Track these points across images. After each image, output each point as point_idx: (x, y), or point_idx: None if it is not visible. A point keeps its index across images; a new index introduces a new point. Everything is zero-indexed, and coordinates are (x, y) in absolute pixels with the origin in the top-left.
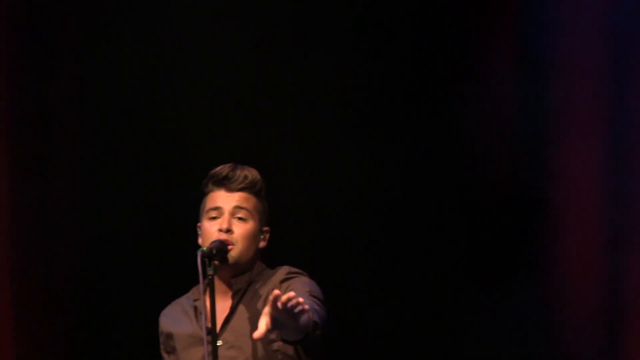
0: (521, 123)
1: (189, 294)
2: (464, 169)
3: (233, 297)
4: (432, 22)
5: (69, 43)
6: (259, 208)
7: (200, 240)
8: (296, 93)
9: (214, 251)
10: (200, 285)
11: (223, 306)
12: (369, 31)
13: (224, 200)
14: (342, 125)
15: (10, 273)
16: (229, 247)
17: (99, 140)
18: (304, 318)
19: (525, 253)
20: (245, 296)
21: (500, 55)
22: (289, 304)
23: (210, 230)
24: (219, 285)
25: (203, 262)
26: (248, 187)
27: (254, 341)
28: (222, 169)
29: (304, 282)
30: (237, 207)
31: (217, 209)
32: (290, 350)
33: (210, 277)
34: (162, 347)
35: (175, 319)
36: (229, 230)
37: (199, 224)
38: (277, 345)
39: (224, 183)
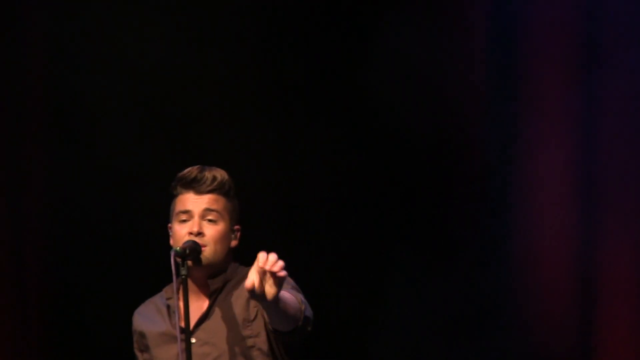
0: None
1: (162, 293)
2: (433, 161)
3: (210, 297)
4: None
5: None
6: (229, 208)
7: (171, 242)
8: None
9: (187, 251)
10: (174, 285)
11: (199, 306)
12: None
13: (193, 203)
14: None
15: None
16: (202, 248)
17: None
18: (293, 307)
19: (493, 238)
20: (220, 296)
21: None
22: (273, 267)
23: (181, 233)
24: (194, 285)
25: (176, 262)
26: (217, 189)
27: (228, 337)
28: (191, 171)
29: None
30: (207, 210)
31: (187, 212)
32: (264, 346)
33: (183, 276)
34: (135, 345)
35: (148, 318)
36: (199, 234)
37: (169, 225)
38: (251, 341)
39: (193, 185)
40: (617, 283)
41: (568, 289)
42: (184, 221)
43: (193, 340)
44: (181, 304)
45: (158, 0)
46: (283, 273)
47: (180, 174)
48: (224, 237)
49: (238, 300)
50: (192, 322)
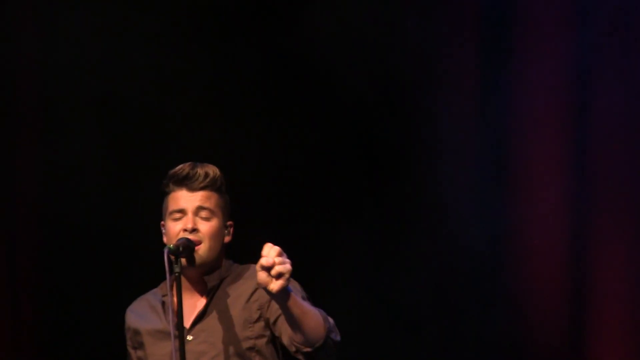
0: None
1: (157, 290)
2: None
3: (207, 295)
4: None
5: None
6: (221, 204)
7: (165, 239)
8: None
9: (181, 248)
10: (167, 282)
11: (195, 303)
12: None
13: (186, 200)
14: None
15: None
16: (196, 246)
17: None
18: (314, 319)
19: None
20: (217, 293)
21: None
22: (272, 262)
23: (174, 230)
24: (189, 282)
25: (169, 259)
26: (209, 185)
27: (226, 337)
28: (182, 169)
29: (294, 286)
30: (201, 207)
31: (180, 210)
32: (264, 347)
33: (177, 274)
34: (128, 342)
35: (142, 315)
36: (194, 230)
37: (162, 222)
38: (251, 342)
39: (185, 183)
40: (608, 283)
41: (559, 289)
42: (178, 219)
43: (190, 338)
44: (176, 300)
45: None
46: (280, 268)
47: (172, 171)
48: (218, 233)
49: (238, 300)
50: (189, 320)
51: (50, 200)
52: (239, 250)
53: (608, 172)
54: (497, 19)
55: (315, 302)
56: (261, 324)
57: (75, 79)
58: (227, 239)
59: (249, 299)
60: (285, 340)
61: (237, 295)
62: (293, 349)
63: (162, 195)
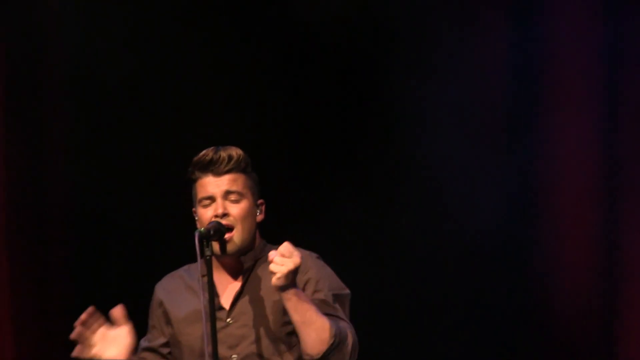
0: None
1: (190, 268)
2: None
3: (242, 276)
4: None
5: None
6: (249, 184)
7: (198, 225)
8: None
9: (212, 231)
10: (199, 266)
11: (231, 285)
12: None
13: (214, 186)
14: None
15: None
16: (229, 233)
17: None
18: (315, 327)
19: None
20: (252, 275)
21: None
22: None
23: (206, 217)
24: (223, 263)
25: (201, 243)
26: (234, 168)
27: (265, 321)
28: (206, 154)
29: (324, 275)
30: (228, 192)
31: (209, 197)
32: None
33: (208, 257)
34: (158, 317)
35: (176, 293)
36: (225, 215)
37: (194, 209)
38: (291, 327)
39: (210, 168)
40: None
41: (591, 278)
42: (208, 205)
43: (229, 321)
44: (213, 281)
45: None
46: (272, 267)
47: (196, 158)
48: (250, 214)
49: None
50: (228, 303)
51: (80, 189)
52: None
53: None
54: None
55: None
56: None
57: (103, 69)
58: (259, 217)
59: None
60: None
61: (270, 277)
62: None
63: (189, 183)
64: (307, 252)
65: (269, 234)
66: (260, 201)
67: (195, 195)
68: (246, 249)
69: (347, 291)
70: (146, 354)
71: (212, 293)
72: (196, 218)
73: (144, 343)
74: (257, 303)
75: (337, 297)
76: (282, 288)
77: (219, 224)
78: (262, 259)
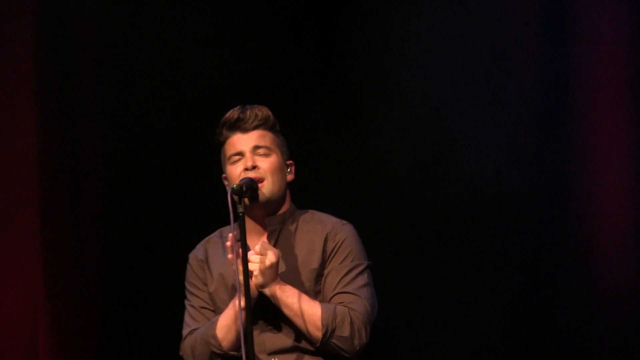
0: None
1: (221, 234)
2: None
3: (269, 238)
4: None
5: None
6: (277, 142)
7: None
8: None
9: (244, 188)
10: (231, 225)
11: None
12: None
13: (242, 142)
14: None
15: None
16: (259, 184)
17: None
18: (305, 325)
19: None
20: (280, 238)
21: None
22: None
23: (235, 173)
24: (253, 225)
25: (233, 200)
26: (262, 124)
27: (297, 278)
28: (232, 113)
29: (349, 243)
30: (257, 146)
31: (238, 153)
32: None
33: (241, 214)
34: (197, 282)
35: (217, 255)
36: (254, 167)
37: (224, 175)
38: (321, 296)
39: (238, 125)
40: None
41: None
42: (237, 161)
43: None
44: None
45: None
46: (252, 266)
47: (223, 118)
48: (279, 169)
49: (302, 249)
50: None
51: (115, 143)
52: None
53: None
54: None
55: None
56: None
57: (135, 24)
58: (289, 177)
59: (316, 251)
60: None
61: (303, 244)
62: None
63: (218, 147)
64: (336, 219)
65: None
66: (289, 162)
67: (224, 155)
68: (275, 203)
69: (367, 263)
70: (205, 312)
71: (245, 251)
72: (226, 184)
73: (192, 323)
74: (285, 267)
75: (356, 268)
76: (263, 285)
77: (251, 179)
78: (289, 220)
